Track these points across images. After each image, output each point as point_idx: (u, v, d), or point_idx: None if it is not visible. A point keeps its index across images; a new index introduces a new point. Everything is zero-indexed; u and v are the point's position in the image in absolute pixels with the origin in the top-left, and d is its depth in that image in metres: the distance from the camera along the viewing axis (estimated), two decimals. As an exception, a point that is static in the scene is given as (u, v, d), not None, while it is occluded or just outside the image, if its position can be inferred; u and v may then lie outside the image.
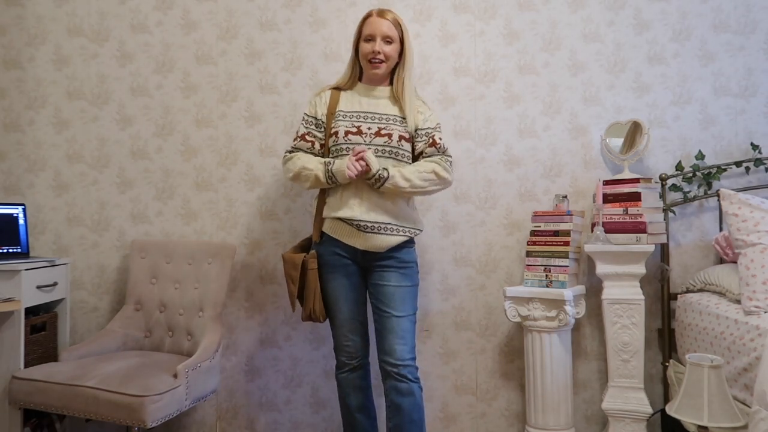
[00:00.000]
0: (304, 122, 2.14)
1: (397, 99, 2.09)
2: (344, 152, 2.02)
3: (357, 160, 1.94)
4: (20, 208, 2.56)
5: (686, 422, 1.91)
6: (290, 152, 2.13)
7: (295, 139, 2.14)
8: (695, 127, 2.53)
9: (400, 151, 2.04)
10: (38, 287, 2.37)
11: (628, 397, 2.25)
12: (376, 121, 2.05)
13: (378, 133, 2.03)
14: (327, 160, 2.03)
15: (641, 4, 2.55)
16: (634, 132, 2.45)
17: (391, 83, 2.13)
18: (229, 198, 2.68)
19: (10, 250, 2.49)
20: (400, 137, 2.04)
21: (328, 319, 2.14)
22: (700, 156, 2.47)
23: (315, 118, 2.12)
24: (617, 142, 2.46)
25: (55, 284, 2.48)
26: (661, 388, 2.48)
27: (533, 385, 2.30)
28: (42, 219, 2.72)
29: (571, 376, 2.31)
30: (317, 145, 2.12)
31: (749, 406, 1.70)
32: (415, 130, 2.09)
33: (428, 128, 2.10)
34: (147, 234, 2.70)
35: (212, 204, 2.69)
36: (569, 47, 2.58)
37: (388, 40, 2.03)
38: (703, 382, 1.70)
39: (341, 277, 2.08)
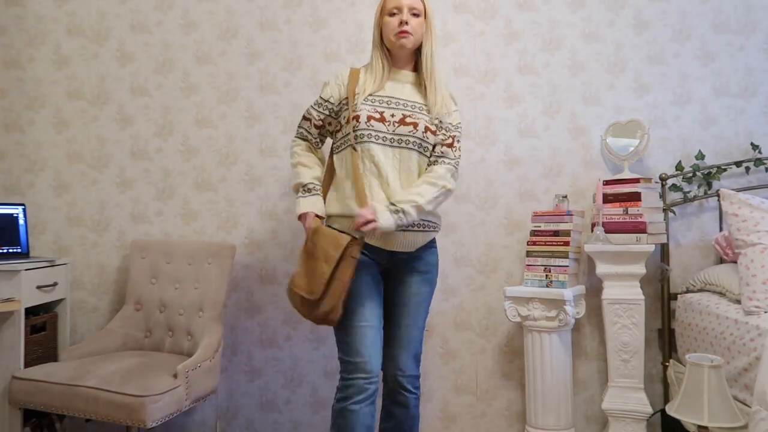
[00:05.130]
0: (315, 105, 1.95)
1: (422, 85, 1.90)
2: (365, 139, 1.81)
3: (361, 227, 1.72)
4: (20, 208, 2.56)
5: (686, 422, 1.91)
6: (294, 139, 2.00)
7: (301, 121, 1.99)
8: (695, 127, 2.53)
9: (424, 144, 1.86)
10: (38, 287, 2.38)
11: (628, 397, 2.25)
12: (401, 107, 1.86)
13: (402, 121, 1.84)
14: (307, 185, 1.88)
15: (641, 4, 2.55)
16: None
17: (416, 69, 1.94)
18: (229, 198, 2.68)
19: (10, 250, 2.49)
20: (426, 128, 1.86)
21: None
22: (700, 156, 2.47)
23: (328, 101, 1.92)
24: (617, 142, 2.46)
25: (55, 284, 2.48)
26: (661, 388, 2.48)
27: (533, 385, 2.30)
28: (42, 219, 2.72)
29: (571, 376, 2.31)
30: (315, 125, 1.94)
31: (749, 406, 1.70)
32: (439, 122, 1.90)
33: (450, 124, 1.91)
34: (147, 234, 2.70)
35: (212, 204, 2.69)
36: (569, 47, 2.58)
37: (414, 12, 1.84)
38: (703, 382, 1.70)
39: (366, 276, 1.83)
